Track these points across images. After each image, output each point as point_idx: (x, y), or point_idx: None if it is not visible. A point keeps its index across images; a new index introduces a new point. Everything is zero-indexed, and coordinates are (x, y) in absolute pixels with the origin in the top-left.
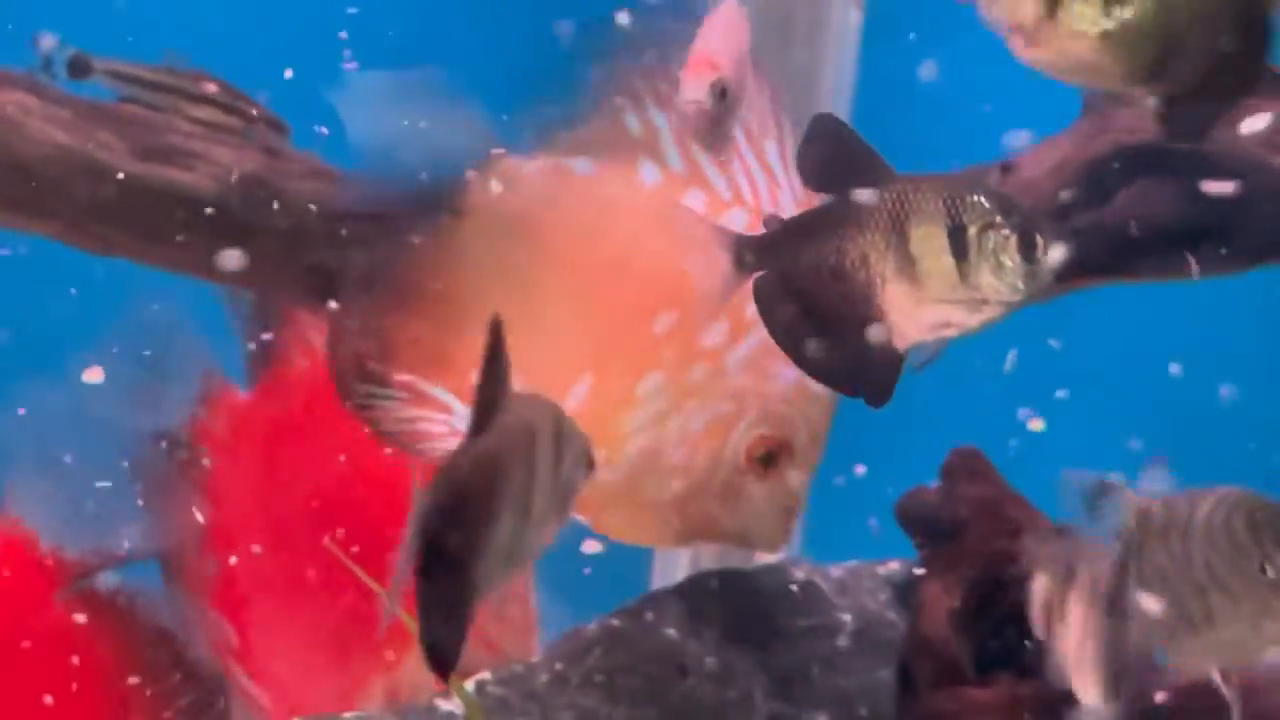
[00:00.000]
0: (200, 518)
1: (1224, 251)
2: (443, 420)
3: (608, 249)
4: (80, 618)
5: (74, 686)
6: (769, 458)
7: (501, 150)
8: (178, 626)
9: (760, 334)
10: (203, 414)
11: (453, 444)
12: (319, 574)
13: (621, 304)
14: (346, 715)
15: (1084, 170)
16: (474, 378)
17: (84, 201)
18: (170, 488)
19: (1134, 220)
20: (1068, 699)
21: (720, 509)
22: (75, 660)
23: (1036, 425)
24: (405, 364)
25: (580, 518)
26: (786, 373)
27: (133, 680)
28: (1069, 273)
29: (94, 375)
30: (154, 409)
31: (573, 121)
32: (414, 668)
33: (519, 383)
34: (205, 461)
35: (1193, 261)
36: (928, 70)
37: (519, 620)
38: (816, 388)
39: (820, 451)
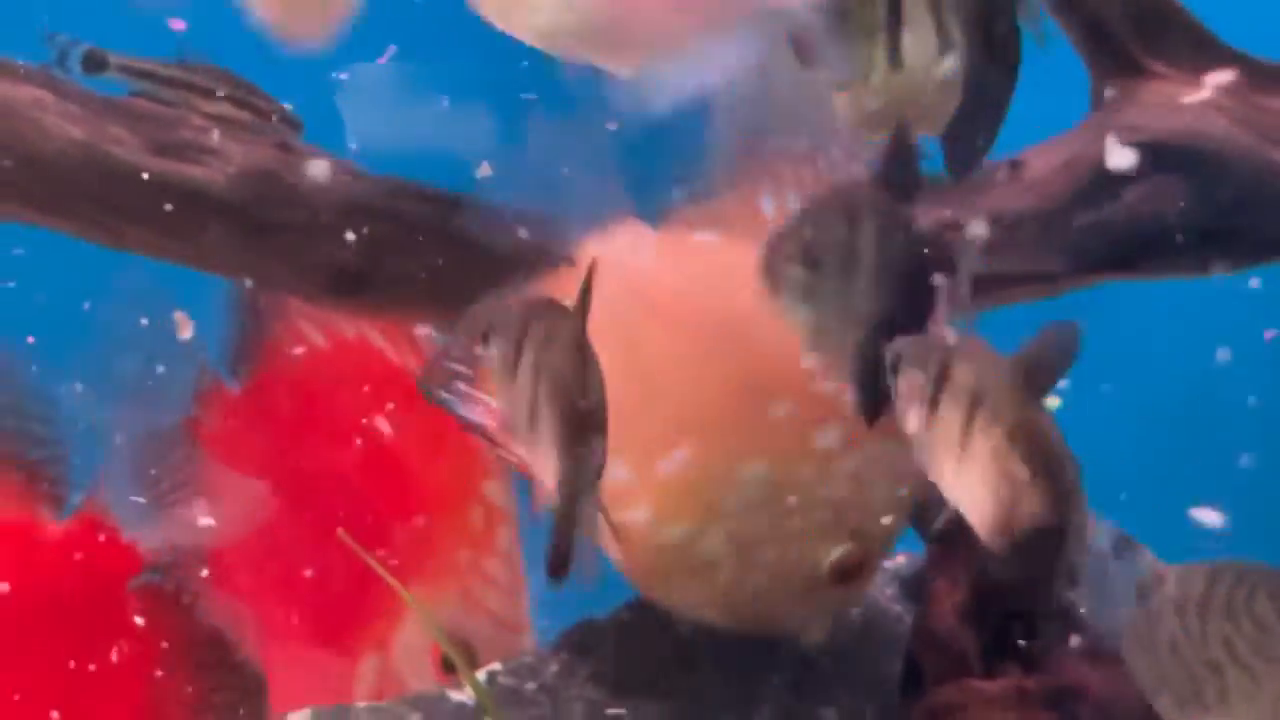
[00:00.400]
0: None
1: (1231, 248)
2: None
3: (727, 325)
4: (145, 608)
5: (130, 671)
6: (850, 572)
7: (629, 212)
8: (227, 625)
9: (872, 448)
10: (198, 410)
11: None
12: (314, 560)
13: (736, 383)
14: (359, 706)
15: (1093, 167)
16: None
17: (97, 196)
18: (180, 483)
19: (1142, 217)
20: (1076, 692)
21: (787, 608)
22: (135, 647)
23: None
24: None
25: (636, 584)
26: (883, 490)
27: (182, 672)
28: (1078, 269)
29: (185, 327)
30: (152, 406)
31: (708, 196)
32: (405, 648)
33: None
34: (203, 456)
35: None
36: None
37: (511, 614)
38: (903, 506)
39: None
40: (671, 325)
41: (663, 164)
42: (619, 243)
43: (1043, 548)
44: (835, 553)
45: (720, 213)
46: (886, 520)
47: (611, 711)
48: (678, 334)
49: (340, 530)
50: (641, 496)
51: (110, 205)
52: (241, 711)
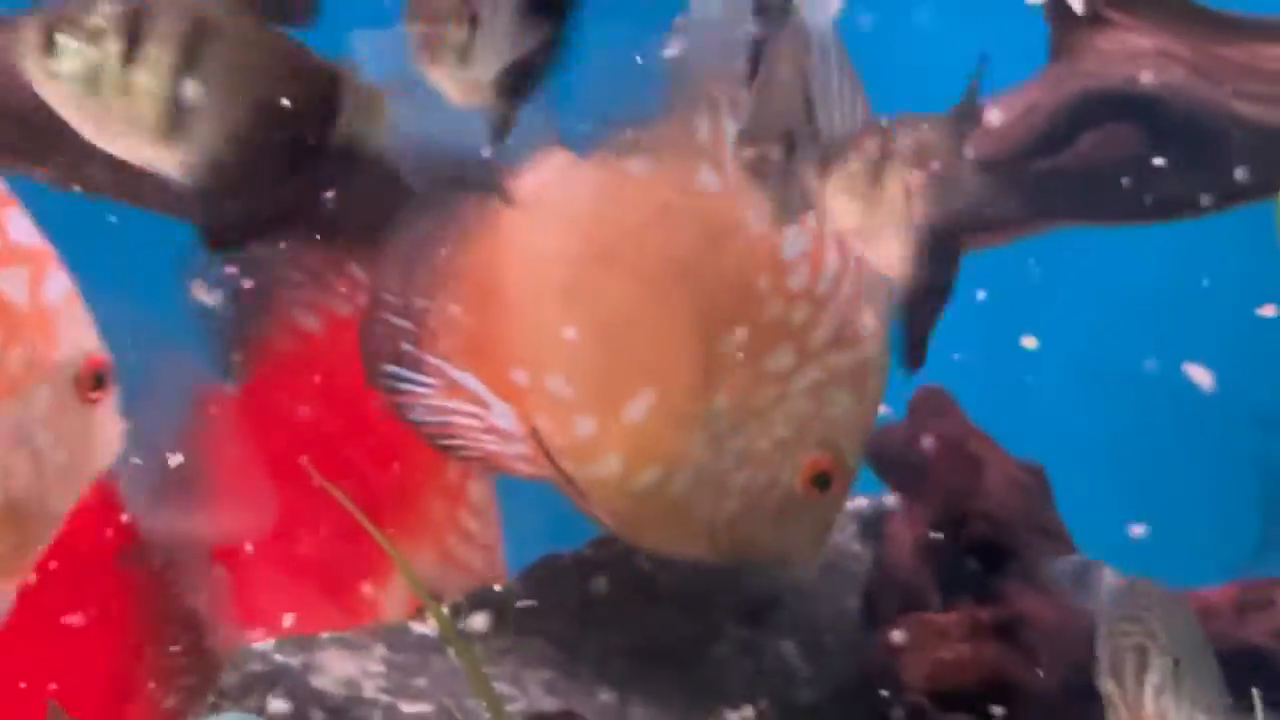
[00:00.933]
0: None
1: (1187, 195)
2: (474, 415)
3: (668, 257)
4: (131, 583)
5: (107, 640)
6: (824, 481)
7: (558, 144)
8: (203, 608)
9: (827, 360)
10: (196, 415)
11: (485, 444)
12: (315, 543)
13: (686, 317)
14: (323, 635)
15: (1051, 115)
16: (514, 374)
17: (75, 145)
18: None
19: (1100, 164)
20: (1027, 621)
21: (768, 531)
22: (117, 619)
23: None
24: (441, 351)
25: (618, 532)
26: (843, 398)
27: (155, 649)
28: (1037, 215)
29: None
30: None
31: (637, 122)
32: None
33: (571, 387)
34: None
35: None
36: (904, 19)
37: (484, 544)
38: (866, 414)
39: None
40: (621, 268)
41: (588, 90)
42: (549, 173)
43: None
44: (807, 463)
45: (651, 138)
46: (850, 425)
47: (573, 644)
48: (628, 277)
49: (308, 466)
50: (611, 448)
51: (85, 152)
52: (203, 695)
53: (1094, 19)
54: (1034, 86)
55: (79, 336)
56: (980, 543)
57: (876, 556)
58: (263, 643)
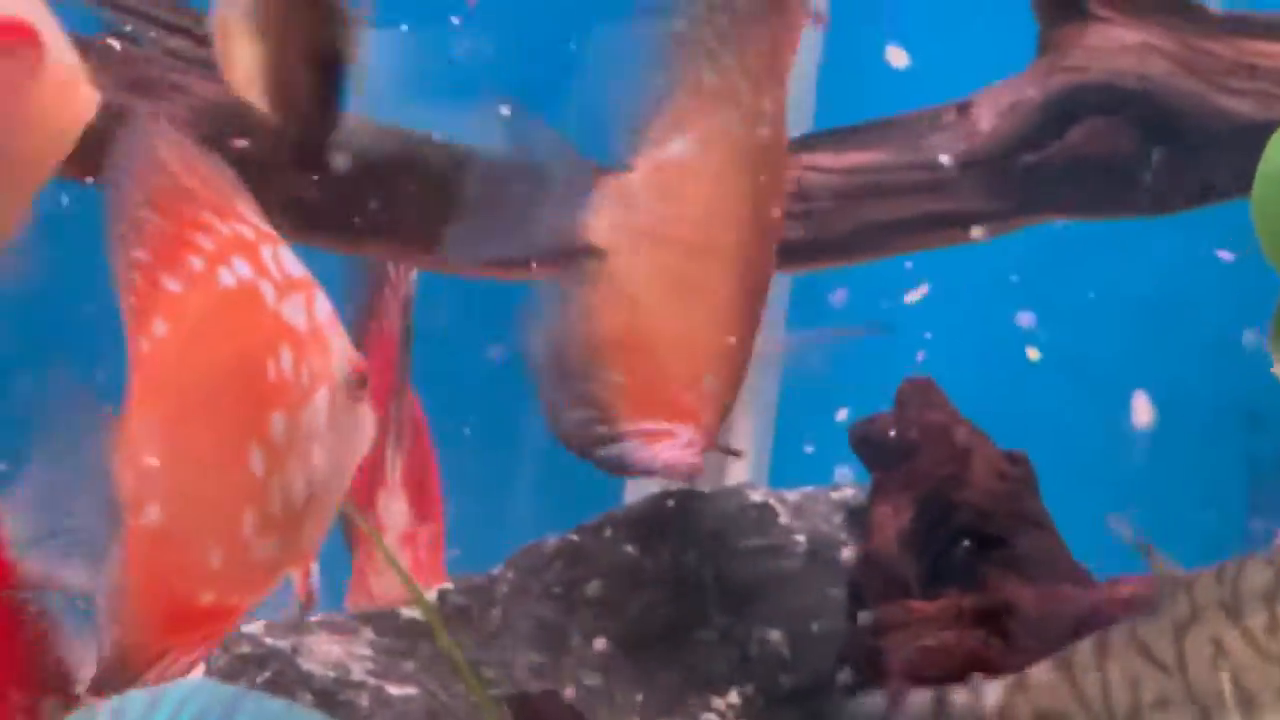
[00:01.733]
0: None
1: (1172, 189)
2: (676, 443)
3: (731, 218)
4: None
5: None
6: None
7: (599, 170)
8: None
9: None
10: None
11: (690, 459)
12: None
13: (751, 266)
14: (311, 619)
15: (1038, 109)
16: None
17: None
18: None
19: (1086, 159)
20: (1010, 609)
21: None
22: None
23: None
24: (627, 415)
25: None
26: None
27: (22, 695)
28: (1024, 210)
29: None
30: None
31: (651, 108)
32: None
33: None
34: None
35: None
36: (891, 46)
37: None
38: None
39: None
40: (700, 250)
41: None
42: (607, 202)
43: None
44: None
45: (674, 112)
46: None
47: (559, 629)
48: (706, 258)
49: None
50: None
51: (84, 141)
52: None
53: (1082, 13)
54: (1020, 81)
55: (343, 346)
56: (965, 531)
57: (861, 545)
58: (252, 624)
